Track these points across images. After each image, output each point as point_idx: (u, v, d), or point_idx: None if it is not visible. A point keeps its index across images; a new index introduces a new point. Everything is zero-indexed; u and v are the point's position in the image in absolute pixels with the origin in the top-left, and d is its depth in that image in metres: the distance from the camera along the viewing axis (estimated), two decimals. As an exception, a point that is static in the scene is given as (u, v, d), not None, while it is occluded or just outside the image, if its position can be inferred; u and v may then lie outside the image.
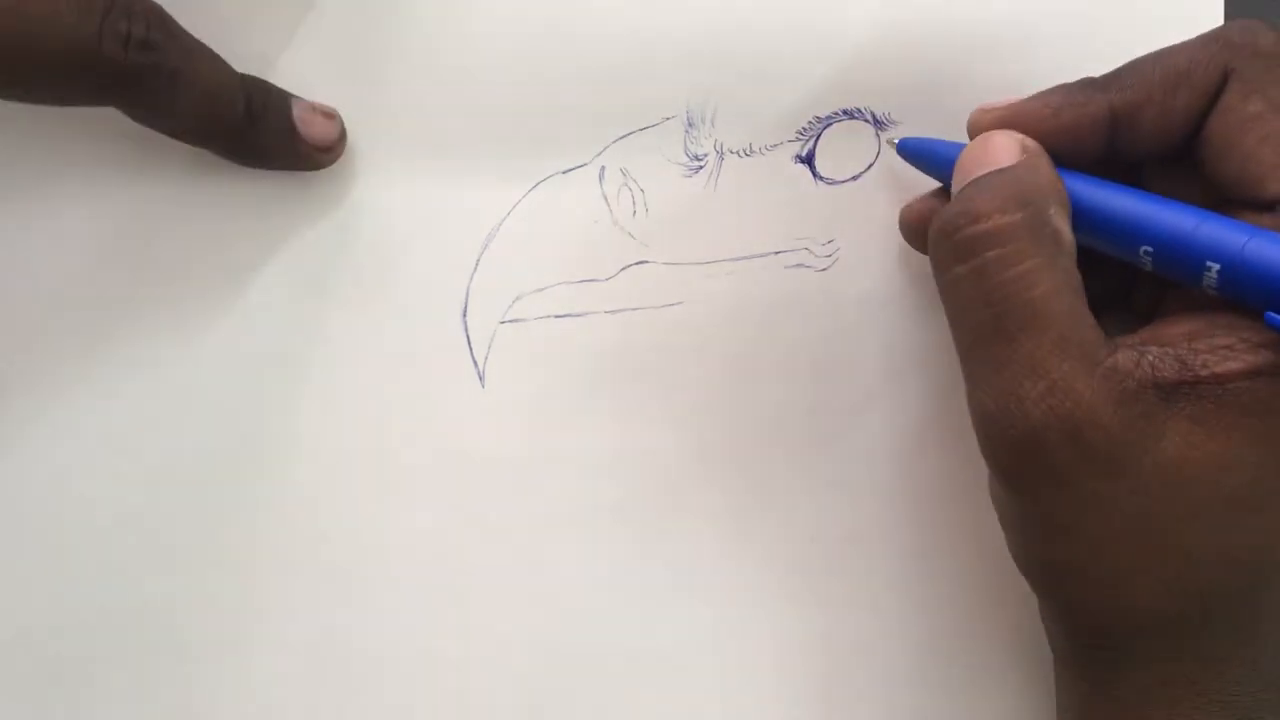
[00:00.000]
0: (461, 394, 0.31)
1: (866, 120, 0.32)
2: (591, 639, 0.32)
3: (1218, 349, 0.24)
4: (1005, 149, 0.26)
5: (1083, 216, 0.26)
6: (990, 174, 0.26)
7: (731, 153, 0.32)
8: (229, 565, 0.31)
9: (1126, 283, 0.29)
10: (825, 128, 0.32)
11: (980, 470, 0.32)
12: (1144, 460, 0.24)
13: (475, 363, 0.32)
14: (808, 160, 0.32)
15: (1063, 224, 0.25)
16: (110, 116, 0.30)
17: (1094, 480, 0.24)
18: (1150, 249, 0.25)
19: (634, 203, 0.32)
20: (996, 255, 0.25)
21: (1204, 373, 0.24)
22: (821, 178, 0.32)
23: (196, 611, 0.31)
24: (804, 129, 0.32)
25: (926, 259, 0.32)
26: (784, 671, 0.32)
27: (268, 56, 0.30)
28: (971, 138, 0.28)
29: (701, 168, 0.32)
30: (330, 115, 0.30)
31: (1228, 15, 0.31)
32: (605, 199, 0.32)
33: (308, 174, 0.31)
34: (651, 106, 0.32)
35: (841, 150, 0.32)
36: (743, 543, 0.32)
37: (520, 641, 0.32)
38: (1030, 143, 0.27)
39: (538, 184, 0.32)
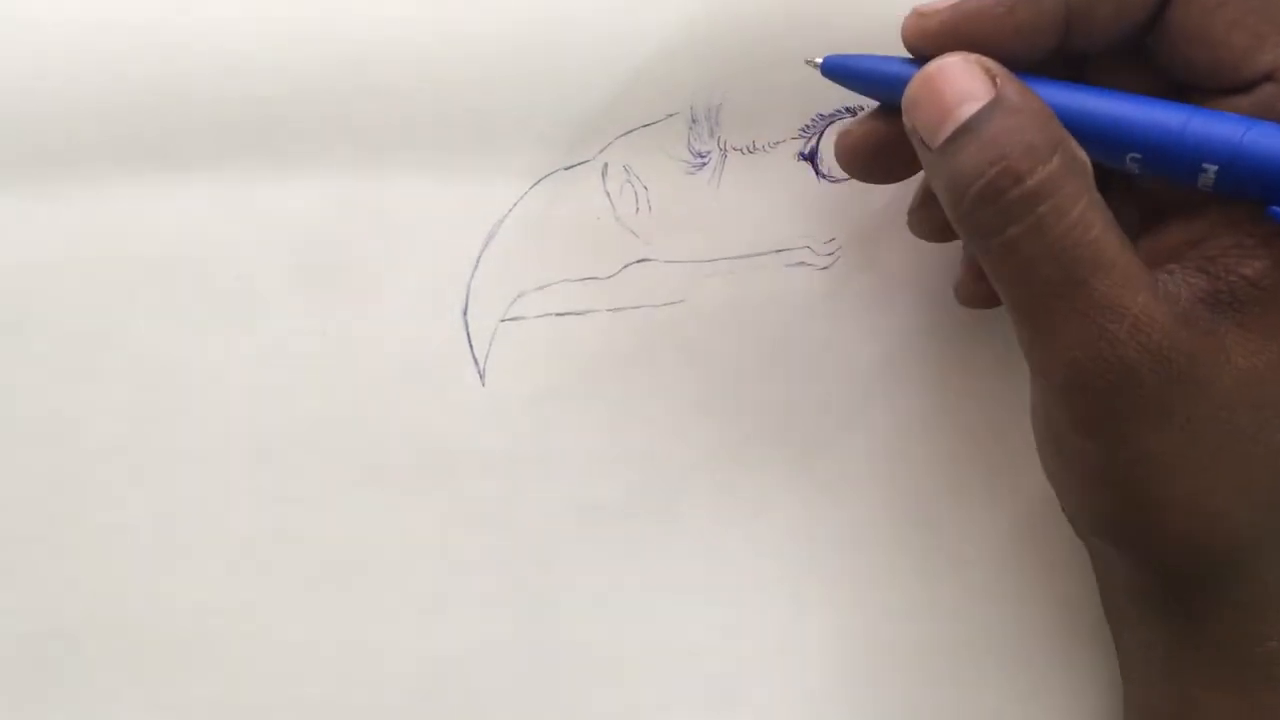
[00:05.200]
0: (462, 392, 0.31)
1: (869, 118, 0.32)
2: (592, 638, 0.32)
3: (1230, 249, 0.24)
4: (973, 82, 0.24)
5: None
6: (997, 118, 0.24)
7: (734, 150, 0.32)
8: (225, 564, 0.31)
9: None
10: (828, 125, 0.32)
11: (981, 469, 0.33)
12: (1222, 375, 0.24)
13: (476, 360, 0.31)
14: (810, 158, 0.32)
15: (1079, 150, 0.24)
16: (111, 112, 0.30)
17: (1186, 405, 0.24)
18: (1138, 155, 0.24)
19: (636, 200, 0.32)
20: (1050, 207, 0.23)
21: (1233, 277, 0.24)
22: (824, 176, 0.32)
23: (193, 611, 0.30)
24: (807, 126, 0.32)
25: (930, 256, 0.32)
26: (784, 672, 0.32)
27: (264, 51, 0.29)
28: (910, 46, 0.26)
29: (704, 165, 0.32)
30: None
31: None
32: (608, 196, 0.31)
33: (306, 169, 0.30)
34: (654, 103, 0.31)
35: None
36: (744, 542, 0.32)
37: (520, 640, 0.32)
38: (996, 67, 0.24)
39: (539, 180, 0.31)
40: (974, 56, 0.24)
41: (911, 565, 0.33)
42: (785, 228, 0.32)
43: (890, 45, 0.32)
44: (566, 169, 0.31)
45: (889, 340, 0.32)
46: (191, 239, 0.30)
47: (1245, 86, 0.24)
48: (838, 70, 0.27)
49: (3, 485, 0.30)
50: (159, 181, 0.30)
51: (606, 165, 0.31)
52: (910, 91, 0.25)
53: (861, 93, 0.27)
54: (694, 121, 0.32)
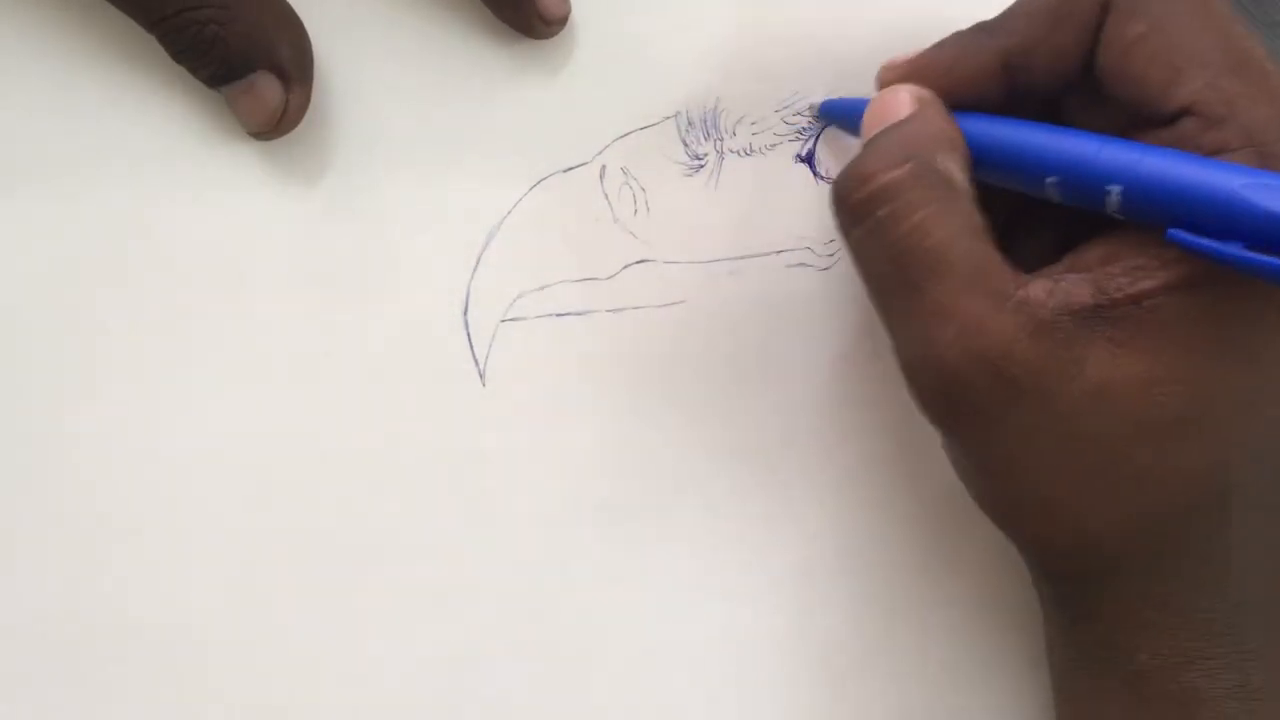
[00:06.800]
0: (462, 392, 0.31)
1: (865, 120, 0.32)
2: (592, 638, 0.31)
3: (1131, 270, 0.24)
4: (900, 103, 0.27)
5: (989, 156, 0.26)
6: (879, 133, 0.26)
7: (732, 152, 0.32)
8: (226, 565, 0.30)
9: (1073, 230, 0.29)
10: (825, 128, 0.32)
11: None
12: (1068, 388, 0.24)
13: (476, 361, 0.31)
14: (808, 160, 0.32)
15: (954, 168, 0.26)
16: (111, 112, 0.30)
17: (1020, 413, 0.24)
18: (1055, 179, 0.25)
19: (635, 201, 0.32)
20: (888, 211, 0.25)
21: (1119, 295, 0.24)
22: (822, 177, 0.32)
23: (194, 612, 0.30)
24: (804, 129, 0.32)
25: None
26: (785, 671, 0.32)
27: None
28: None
29: (702, 167, 0.32)
30: None
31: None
32: (606, 197, 0.32)
33: (307, 170, 0.31)
34: (652, 105, 0.32)
35: (841, 150, 0.32)
36: (743, 542, 0.32)
37: (520, 640, 0.31)
38: (924, 93, 0.27)
39: (539, 182, 0.32)
40: (912, 86, 0.27)
41: (912, 565, 0.32)
42: (785, 228, 0.32)
43: (881, 48, 0.32)
44: (565, 171, 0.32)
45: (889, 340, 0.32)
46: (192, 239, 0.31)
47: (1167, 120, 0.24)
48: (832, 114, 0.32)
49: (5, 485, 0.30)
50: (159, 183, 0.30)
51: (604, 167, 0.32)
52: (865, 114, 0.28)
53: (853, 134, 0.30)
54: (690, 124, 0.32)
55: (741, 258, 0.32)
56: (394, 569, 0.31)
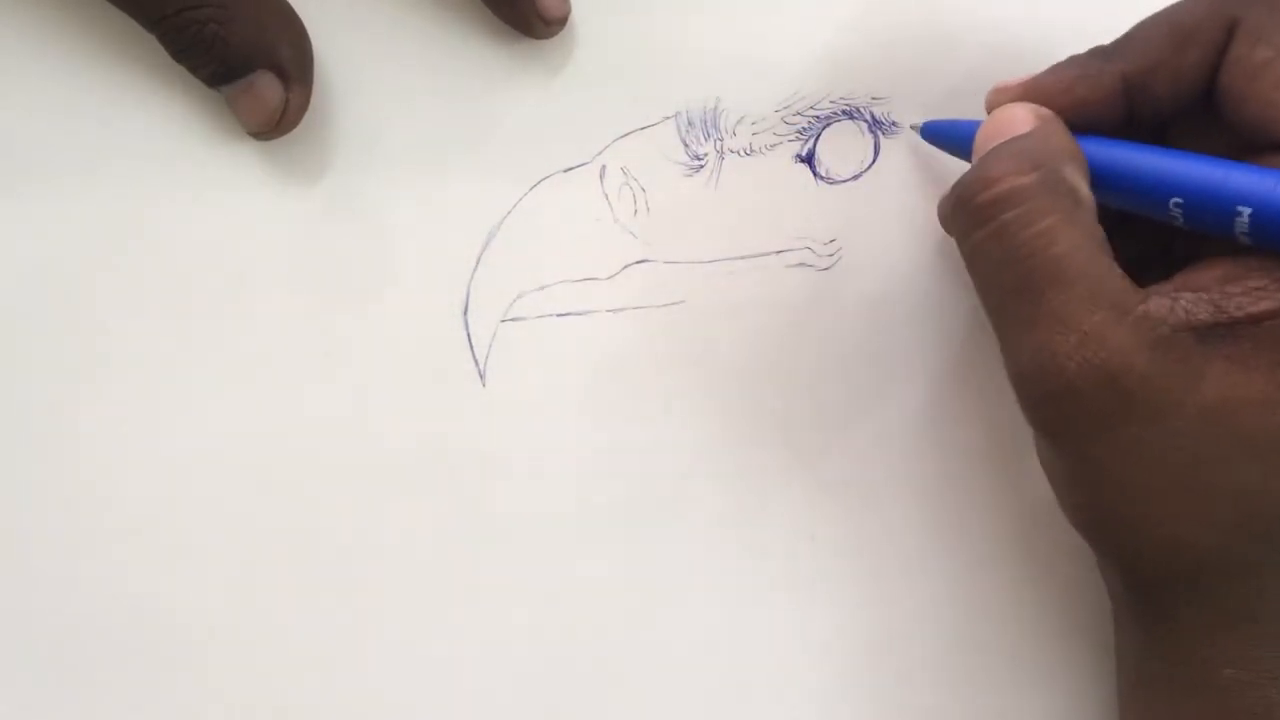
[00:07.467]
0: (462, 393, 0.31)
1: (866, 121, 0.32)
2: (592, 638, 0.31)
3: (1251, 290, 0.24)
4: (1019, 119, 0.27)
5: (1110, 178, 0.26)
6: (1002, 143, 0.26)
7: (732, 152, 0.32)
8: (227, 565, 0.30)
9: (1160, 253, 0.29)
10: (825, 128, 0.32)
11: (982, 468, 0.32)
12: (1184, 404, 0.24)
13: (476, 361, 0.31)
14: (808, 160, 0.32)
15: (1079, 182, 0.26)
16: (111, 112, 0.30)
17: (1135, 426, 0.24)
18: (1180, 200, 0.25)
19: (635, 201, 0.32)
20: (1014, 216, 0.25)
21: (1239, 314, 0.24)
22: (822, 177, 0.32)
23: (197, 612, 0.30)
24: (804, 129, 0.32)
25: (930, 256, 0.32)
26: (785, 671, 0.32)
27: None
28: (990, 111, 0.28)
29: (702, 167, 0.32)
30: None
31: None
32: (606, 198, 0.32)
33: (307, 170, 0.31)
34: (652, 105, 0.32)
35: (841, 150, 0.32)
36: (743, 542, 0.32)
37: (520, 641, 0.31)
38: (1044, 111, 0.27)
39: (539, 182, 0.32)
40: (1030, 104, 0.27)
41: (911, 564, 0.32)
42: (785, 228, 0.32)
43: (882, 50, 0.32)
44: (565, 171, 0.32)
45: (889, 340, 0.32)
46: (192, 239, 0.31)
47: None
48: (934, 134, 0.31)
49: (7, 486, 0.30)
50: (159, 183, 0.31)
51: (604, 167, 0.32)
52: (980, 130, 0.28)
53: (954, 155, 0.30)
54: (690, 124, 0.32)
55: (741, 258, 0.32)
56: (394, 569, 0.31)
